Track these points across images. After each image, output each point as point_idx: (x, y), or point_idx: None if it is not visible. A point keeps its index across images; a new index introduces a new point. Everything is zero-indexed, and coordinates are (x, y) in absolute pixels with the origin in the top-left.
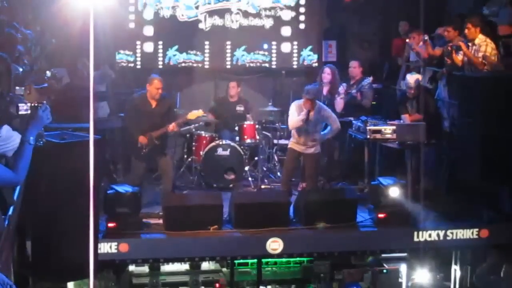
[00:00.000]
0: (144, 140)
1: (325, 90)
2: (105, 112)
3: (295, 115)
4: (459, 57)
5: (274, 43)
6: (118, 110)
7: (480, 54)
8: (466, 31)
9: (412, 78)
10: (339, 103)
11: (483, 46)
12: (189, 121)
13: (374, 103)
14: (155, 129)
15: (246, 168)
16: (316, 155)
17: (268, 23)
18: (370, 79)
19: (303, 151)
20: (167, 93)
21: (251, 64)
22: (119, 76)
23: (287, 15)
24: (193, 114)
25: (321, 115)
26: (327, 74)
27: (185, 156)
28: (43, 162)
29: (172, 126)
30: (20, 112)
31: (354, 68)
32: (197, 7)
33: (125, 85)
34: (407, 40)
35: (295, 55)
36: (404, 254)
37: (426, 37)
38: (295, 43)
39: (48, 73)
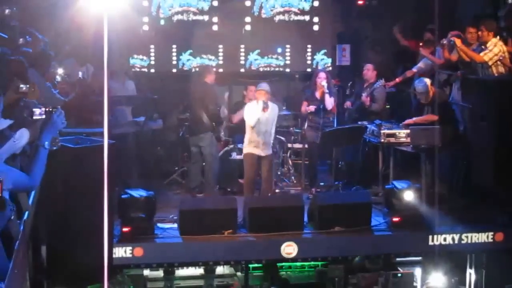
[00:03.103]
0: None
1: (318, 94)
2: (125, 117)
3: (252, 110)
4: (452, 54)
5: (287, 46)
6: (135, 115)
7: (490, 54)
8: (479, 33)
9: (420, 84)
10: (330, 102)
11: (491, 46)
12: None
13: (388, 106)
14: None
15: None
16: (271, 157)
17: (281, 27)
18: (382, 81)
19: (261, 153)
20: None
21: (265, 68)
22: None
23: (301, 19)
24: (226, 96)
25: (274, 113)
26: (323, 78)
27: None
28: (57, 167)
29: (225, 111)
30: (34, 117)
31: (368, 70)
32: (210, 11)
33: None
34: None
35: (308, 59)
36: (419, 258)
37: (445, 41)
38: (309, 46)
39: (58, 78)
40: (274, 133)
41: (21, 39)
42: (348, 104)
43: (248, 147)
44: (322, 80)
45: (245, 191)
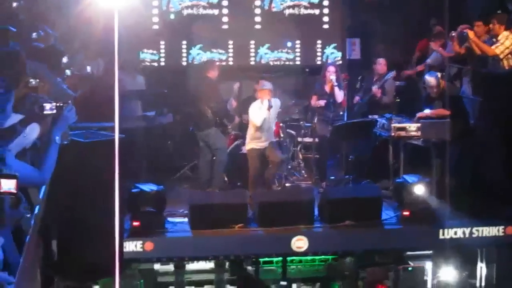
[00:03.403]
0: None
1: (327, 87)
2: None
3: (258, 110)
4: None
5: (297, 41)
6: (145, 109)
7: (501, 47)
8: (490, 26)
9: (431, 77)
10: (339, 95)
11: (503, 39)
12: None
13: (398, 100)
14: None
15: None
16: (274, 143)
17: (291, 21)
18: (393, 73)
19: (264, 145)
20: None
21: (275, 62)
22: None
23: (310, 13)
24: (236, 85)
25: (276, 108)
26: (332, 72)
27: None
28: (67, 161)
29: (234, 103)
30: (45, 112)
31: (380, 64)
32: (220, 6)
33: (149, 84)
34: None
35: (318, 52)
36: (429, 252)
37: (454, 33)
38: (319, 41)
39: (68, 72)
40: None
41: (34, 34)
42: (357, 99)
43: (251, 143)
44: (331, 74)
45: (250, 187)
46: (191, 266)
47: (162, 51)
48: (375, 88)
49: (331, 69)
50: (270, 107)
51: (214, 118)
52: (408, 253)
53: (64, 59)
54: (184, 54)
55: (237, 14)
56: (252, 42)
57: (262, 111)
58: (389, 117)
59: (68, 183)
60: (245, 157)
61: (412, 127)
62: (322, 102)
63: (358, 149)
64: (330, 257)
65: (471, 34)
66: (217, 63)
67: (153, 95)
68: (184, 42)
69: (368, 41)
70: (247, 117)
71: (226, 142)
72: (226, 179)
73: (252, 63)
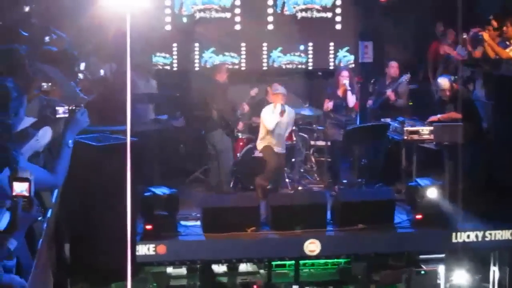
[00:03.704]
0: (241, 126)
1: (340, 92)
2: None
3: (270, 114)
4: (476, 50)
5: (310, 44)
6: (157, 113)
7: None
8: (504, 29)
9: (443, 80)
10: (352, 99)
11: None
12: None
13: (411, 103)
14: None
15: None
16: (284, 155)
17: (304, 24)
18: (407, 76)
19: (279, 151)
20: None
21: (287, 66)
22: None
23: (323, 16)
24: (253, 91)
25: (291, 117)
26: (345, 76)
27: None
28: (80, 165)
29: (246, 107)
30: (57, 115)
31: (393, 68)
32: (232, 9)
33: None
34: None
35: (331, 56)
36: (442, 255)
37: (465, 36)
38: (331, 44)
39: (81, 76)
40: (287, 135)
41: (47, 37)
42: (369, 102)
43: (262, 143)
44: (344, 79)
45: (267, 175)
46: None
47: (175, 54)
48: (389, 91)
49: (344, 73)
50: (283, 111)
51: (220, 121)
52: (421, 256)
53: (82, 66)
54: (197, 58)
55: (250, 17)
56: (265, 45)
57: (275, 115)
58: (401, 121)
59: (81, 186)
60: (258, 161)
61: (425, 130)
62: (330, 105)
63: (371, 153)
64: (342, 260)
65: (486, 36)
66: (226, 67)
67: (166, 99)
68: (197, 45)
69: (381, 44)
70: (258, 119)
71: (230, 145)
72: (231, 183)
73: (265, 66)
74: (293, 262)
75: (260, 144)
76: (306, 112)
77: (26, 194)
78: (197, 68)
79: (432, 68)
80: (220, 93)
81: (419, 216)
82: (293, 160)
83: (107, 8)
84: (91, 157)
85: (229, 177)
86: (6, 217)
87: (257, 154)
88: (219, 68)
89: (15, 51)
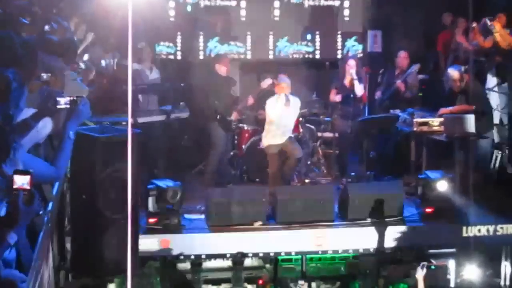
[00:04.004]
0: (236, 116)
1: (347, 82)
2: (151, 105)
3: (274, 104)
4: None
5: (317, 33)
6: (161, 103)
7: None
8: None
9: (454, 70)
10: (360, 89)
11: None
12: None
13: (421, 94)
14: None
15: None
16: (292, 139)
17: (311, 12)
18: (417, 66)
19: (280, 141)
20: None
21: (294, 55)
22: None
23: (331, 4)
24: (265, 83)
25: (296, 107)
26: (352, 66)
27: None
28: (83, 157)
29: (251, 100)
30: (58, 106)
31: (403, 58)
32: None
33: (165, 77)
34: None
35: (339, 45)
36: (452, 250)
37: (474, 25)
38: (339, 33)
39: (82, 66)
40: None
41: (46, 26)
42: (378, 93)
43: (268, 139)
44: (351, 68)
45: (270, 183)
46: (208, 264)
47: (179, 44)
48: (398, 82)
49: (351, 62)
50: (287, 101)
51: (215, 113)
52: (431, 251)
53: (85, 57)
54: (201, 47)
55: (256, 5)
56: (271, 34)
57: (279, 106)
58: (411, 112)
59: (83, 179)
60: (263, 153)
61: (435, 122)
62: (338, 98)
63: (380, 145)
64: (350, 255)
65: (497, 26)
66: (227, 58)
67: (170, 89)
68: (201, 34)
69: (390, 33)
70: (263, 112)
71: (222, 141)
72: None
73: (271, 56)
74: (299, 256)
75: (265, 141)
76: (314, 103)
77: (27, 187)
78: (201, 58)
79: (443, 58)
80: (219, 86)
81: (429, 210)
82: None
83: None
84: (93, 149)
85: (213, 171)
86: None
87: (263, 146)
88: (219, 60)
89: (9, 39)
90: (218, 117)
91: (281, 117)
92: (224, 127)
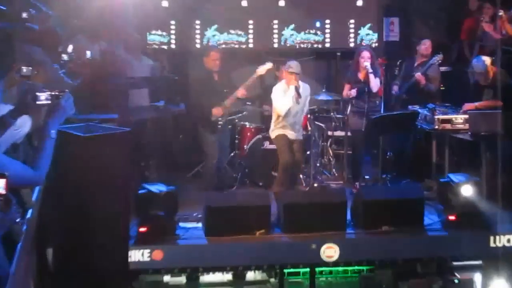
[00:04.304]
0: (220, 112)
1: (361, 75)
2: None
3: (282, 95)
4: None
5: (327, 21)
6: (153, 98)
7: None
8: None
9: (480, 62)
10: (375, 83)
11: None
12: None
13: (443, 88)
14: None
15: None
16: (301, 141)
17: None
18: (440, 56)
19: (296, 137)
20: None
21: (302, 45)
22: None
23: None
24: (263, 69)
25: (306, 94)
26: (366, 58)
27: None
28: (66, 159)
29: (241, 91)
30: (39, 102)
31: (426, 46)
32: None
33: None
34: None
35: (352, 34)
36: (479, 262)
37: (501, 12)
38: (352, 20)
39: (65, 57)
40: (307, 110)
41: (24, 13)
42: (395, 88)
43: (275, 130)
44: (365, 60)
45: (281, 177)
46: (205, 277)
47: (173, 32)
48: (418, 74)
49: (365, 54)
50: (297, 96)
51: (200, 115)
52: (455, 263)
53: (69, 48)
54: (198, 36)
55: None
56: (276, 22)
57: (287, 98)
58: (432, 108)
59: (66, 183)
60: (267, 154)
61: (459, 119)
62: (353, 92)
63: (397, 145)
64: (365, 267)
65: None
66: (217, 52)
67: (163, 82)
68: (198, 22)
69: (408, 20)
70: (269, 108)
71: (213, 145)
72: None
73: (276, 46)
74: (308, 269)
75: (273, 132)
76: (323, 98)
77: (3, 192)
78: (198, 47)
79: (468, 48)
80: (205, 82)
81: (452, 217)
82: (308, 152)
83: None
84: (78, 150)
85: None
86: None
87: (267, 146)
88: (207, 53)
89: None
90: (202, 119)
91: (290, 111)
92: (211, 130)
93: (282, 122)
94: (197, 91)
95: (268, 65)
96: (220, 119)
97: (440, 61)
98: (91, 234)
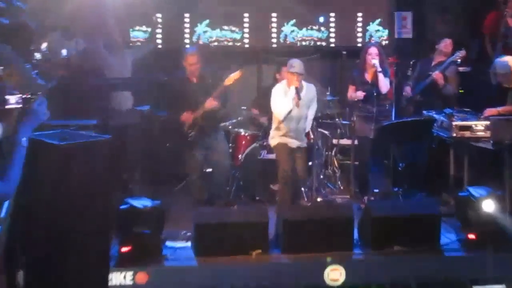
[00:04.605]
0: (188, 118)
1: (368, 75)
2: (125, 104)
3: (281, 97)
4: None
5: (332, 15)
6: (137, 102)
7: None
8: None
9: (503, 61)
10: (385, 84)
11: None
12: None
13: (462, 91)
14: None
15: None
16: (305, 149)
17: None
18: (462, 53)
19: (292, 144)
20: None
21: (303, 43)
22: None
23: None
24: (230, 79)
25: (310, 96)
26: (374, 55)
27: None
28: (38, 169)
29: (210, 102)
30: (8, 106)
31: (446, 44)
32: None
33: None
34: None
35: (359, 30)
36: (502, 286)
37: None
38: (360, 15)
39: (39, 56)
40: (311, 115)
41: None
42: (407, 90)
43: (276, 138)
44: (373, 58)
45: (280, 191)
46: None
47: (159, 28)
48: (436, 73)
49: (373, 50)
50: (298, 100)
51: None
52: (475, 287)
53: (43, 46)
54: (187, 32)
55: None
56: (274, 16)
57: (288, 100)
58: (449, 113)
59: (39, 196)
60: (265, 164)
61: (480, 126)
62: (361, 95)
63: (410, 154)
64: None
65: None
66: (194, 54)
67: (148, 84)
68: (187, 16)
69: (422, 15)
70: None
71: (194, 162)
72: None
73: (274, 43)
74: None
75: (273, 139)
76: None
77: None
78: (187, 45)
79: (490, 46)
80: (180, 88)
81: (472, 236)
82: (310, 163)
83: None
84: (52, 160)
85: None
86: None
87: (264, 155)
88: (184, 56)
89: None
90: (177, 129)
91: (292, 117)
92: (186, 144)
93: (283, 129)
94: (171, 96)
95: (237, 74)
96: (189, 127)
97: (462, 58)
98: (66, 254)
